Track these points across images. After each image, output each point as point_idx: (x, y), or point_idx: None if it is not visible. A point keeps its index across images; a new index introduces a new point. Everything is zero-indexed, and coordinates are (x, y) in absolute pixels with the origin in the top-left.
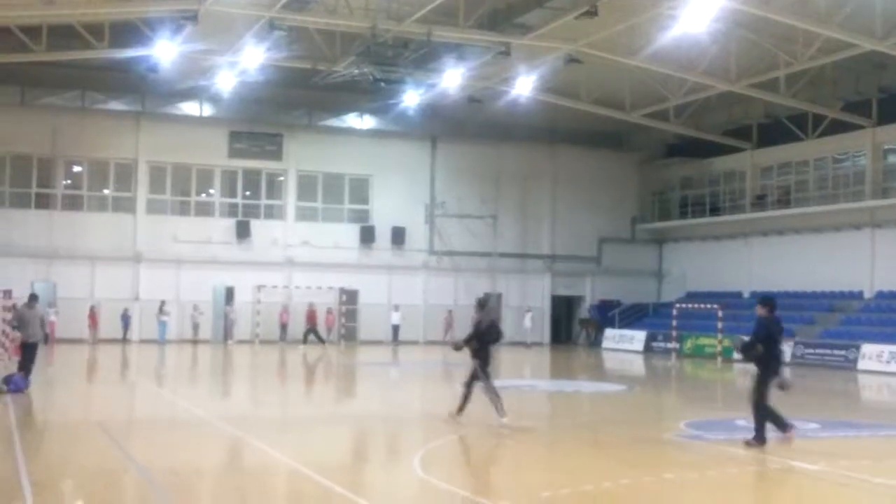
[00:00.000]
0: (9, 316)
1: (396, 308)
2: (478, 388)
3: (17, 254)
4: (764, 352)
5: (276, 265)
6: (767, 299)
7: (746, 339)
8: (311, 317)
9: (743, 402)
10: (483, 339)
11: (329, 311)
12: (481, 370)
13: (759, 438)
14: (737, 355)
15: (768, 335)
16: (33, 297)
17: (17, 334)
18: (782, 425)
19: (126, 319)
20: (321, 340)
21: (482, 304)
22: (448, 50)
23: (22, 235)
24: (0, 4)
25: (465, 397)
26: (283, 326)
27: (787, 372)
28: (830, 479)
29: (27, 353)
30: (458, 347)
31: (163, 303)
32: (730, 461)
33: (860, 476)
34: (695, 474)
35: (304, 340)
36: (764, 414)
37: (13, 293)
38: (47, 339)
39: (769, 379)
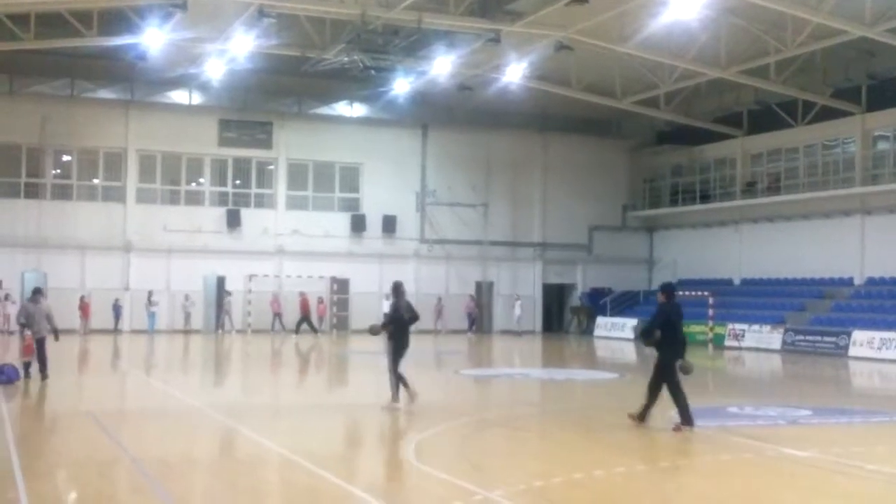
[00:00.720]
0: None
1: (388, 297)
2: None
3: (7, 244)
4: (664, 337)
5: (266, 254)
6: (666, 287)
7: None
8: (303, 306)
9: (734, 389)
10: (400, 324)
11: (320, 301)
12: (392, 352)
13: (686, 420)
14: (631, 332)
15: (666, 321)
16: (37, 291)
17: (28, 332)
18: (686, 416)
19: (117, 309)
20: (314, 330)
21: (396, 289)
22: (438, 37)
23: (11, 225)
24: None
25: (401, 381)
26: (277, 316)
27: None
28: (823, 466)
29: (39, 350)
30: (375, 332)
31: (150, 293)
32: (722, 448)
33: (853, 462)
34: (688, 461)
35: (297, 330)
36: (679, 398)
37: (3, 283)
38: (57, 335)
39: (671, 363)
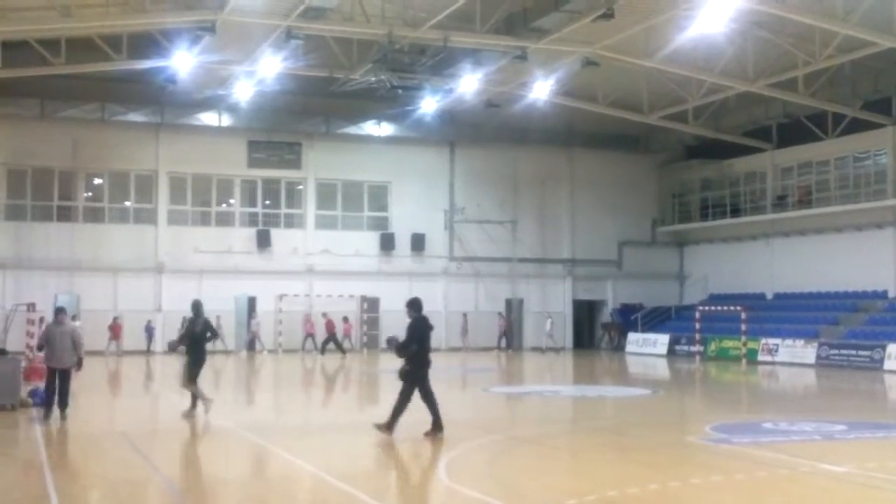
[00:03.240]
0: (33, 329)
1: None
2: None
3: (40, 266)
4: (417, 349)
5: (296, 274)
6: (415, 302)
7: (401, 339)
8: (328, 326)
9: (768, 404)
10: (196, 340)
11: (346, 320)
12: (189, 367)
13: (437, 427)
14: (389, 346)
15: (420, 335)
16: (60, 311)
17: (40, 355)
18: (436, 419)
19: (150, 331)
20: (341, 350)
21: (196, 308)
22: (465, 55)
23: (44, 248)
24: (19, 19)
25: (193, 396)
26: (310, 336)
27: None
28: (859, 481)
29: (50, 381)
30: (173, 348)
31: (184, 319)
32: (757, 464)
33: (889, 477)
34: (722, 478)
35: (322, 350)
36: (432, 402)
37: (36, 306)
38: (80, 364)
39: (422, 371)
